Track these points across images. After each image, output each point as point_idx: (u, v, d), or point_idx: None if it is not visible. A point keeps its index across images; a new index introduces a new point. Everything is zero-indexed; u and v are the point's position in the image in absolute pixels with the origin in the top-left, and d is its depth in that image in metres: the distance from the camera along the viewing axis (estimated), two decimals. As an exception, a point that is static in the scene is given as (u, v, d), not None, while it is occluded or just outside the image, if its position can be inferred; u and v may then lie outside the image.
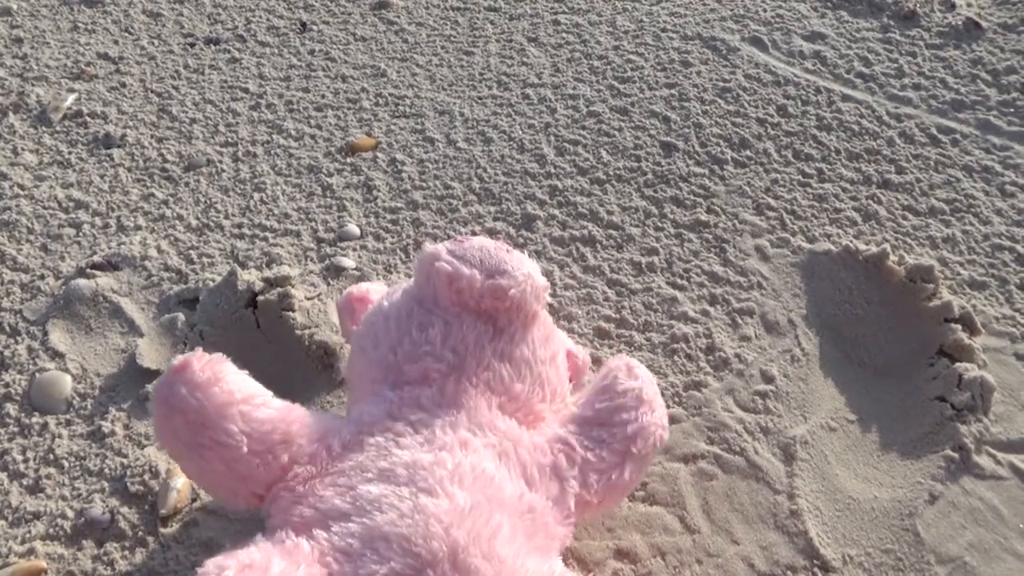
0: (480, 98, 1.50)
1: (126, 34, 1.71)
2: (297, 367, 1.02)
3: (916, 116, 1.43)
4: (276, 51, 1.66)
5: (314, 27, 1.74)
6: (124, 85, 1.55)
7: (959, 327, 1.03)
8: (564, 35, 1.67)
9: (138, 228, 1.22)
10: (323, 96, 1.52)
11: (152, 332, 1.05)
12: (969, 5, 1.71)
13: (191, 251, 1.18)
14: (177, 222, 1.23)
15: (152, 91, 1.53)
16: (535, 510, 0.63)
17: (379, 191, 1.29)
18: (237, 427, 0.63)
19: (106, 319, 1.07)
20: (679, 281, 1.13)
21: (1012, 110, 1.44)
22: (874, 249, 1.13)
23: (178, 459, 0.66)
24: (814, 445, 0.94)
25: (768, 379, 1.01)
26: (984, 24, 1.64)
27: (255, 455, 0.63)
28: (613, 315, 1.09)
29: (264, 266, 1.15)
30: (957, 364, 1.00)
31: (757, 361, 1.03)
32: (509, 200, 1.26)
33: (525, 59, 1.60)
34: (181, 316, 1.05)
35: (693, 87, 1.48)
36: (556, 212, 1.24)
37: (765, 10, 1.70)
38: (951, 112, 1.44)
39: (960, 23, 1.64)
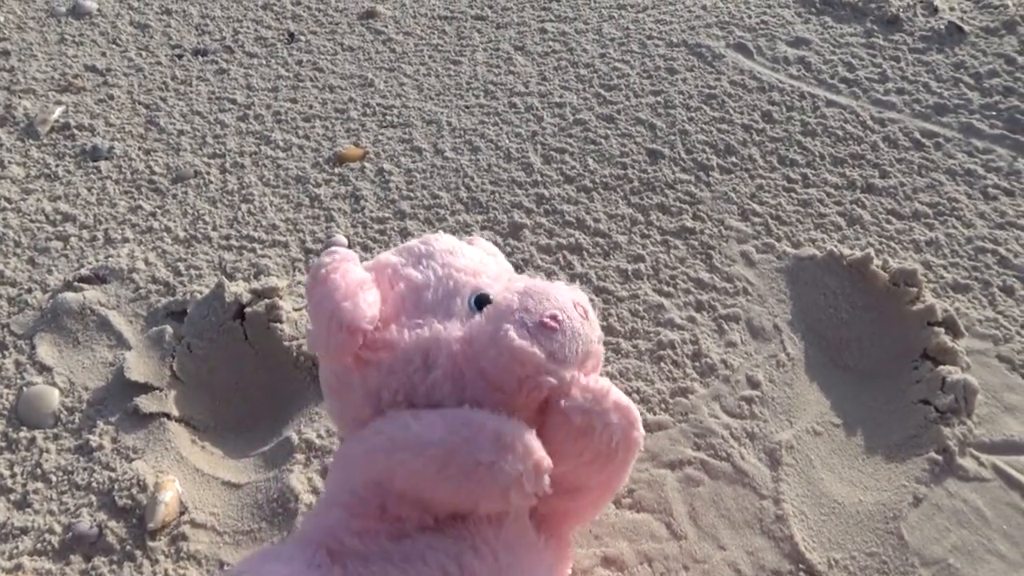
0: (467, 107, 1.50)
1: (114, 46, 1.72)
2: (285, 378, 1.02)
3: (900, 120, 1.44)
4: (264, 62, 1.66)
5: (302, 37, 1.75)
6: (112, 97, 1.55)
7: (942, 330, 1.04)
8: (551, 43, 1.68)
9: (126, 240, 1.22)
10: (311, 106, 1.52)
11: (140, 345, 1.05)
12: (951, 9, 1.72)
13: (179, 263, 1.18)
14: (165, 234, 1.24)
15: (140, 103, 1.54)
16: None
17: (367, 201, 1.29)
18: None
19: (94, 332, 1.07)
20: (665, 288, 1.14)
21: (994, 113, 1.45)
22: (858, 254, 1.14)
23: None
24: (799, 450, 0.95)
25: (754, 384, 1.01)
26: (966, 28, 1.65)
27: None
28: (600, 323, 1.09)
29: (252, 278, 1.15)
30: (941, 367, 1.01)
31: (743, 367, 1.03)
32: (496, 209, 1.27)
33: (512, 68, 1.61)
34: (169, 329, 1.05)
35: (679, 94, 1.49)
36: (543, 220, 1.24)
37: (750, 16, 1.71)
38: (934, 116, 1.45)
39: (942, 27, 1.66)
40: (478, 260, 0.71)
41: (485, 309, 0.64)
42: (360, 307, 0.62)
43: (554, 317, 0.62)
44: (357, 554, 0.59)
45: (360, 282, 0.63)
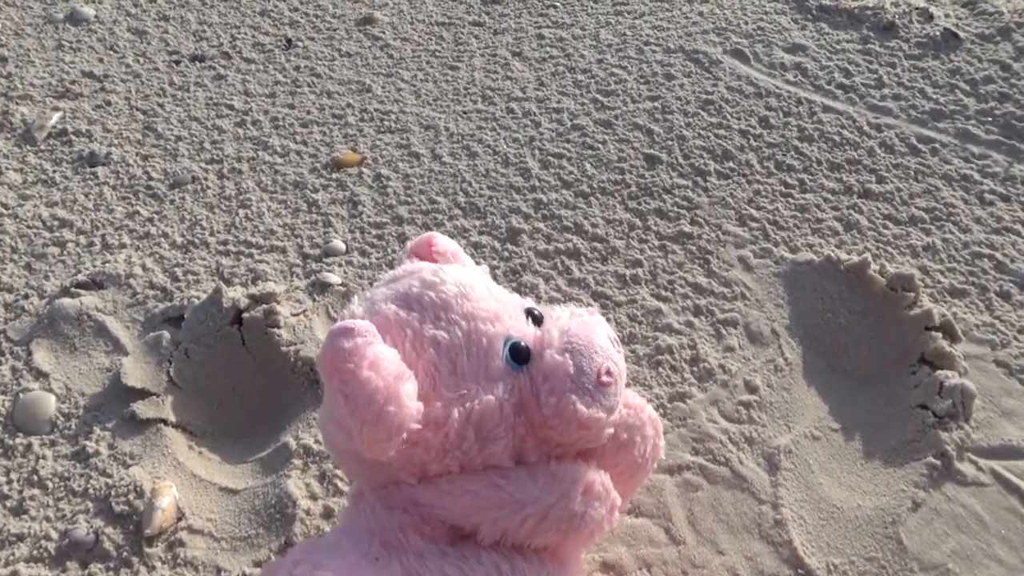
0: (465, 112, 1.51)
1: (111, 52, 1.72)
2: (283, 384, 1.02)
3: (896, 126, 1.45)
4: (261, 68, 1.66)
5: (299, 43, 1.75)
6: (109, 103, 1.55)
7: (940, 335, 1.04)
8: (548, 49, 1.69)
9: (123, 246, 1.22)
10: (308, 112, 1.52)
11: (137, 351, 1.04)
12: (947, 16, 1.73)
13: (176, 268, 1.18)
14: (162, 240, 1.23)
15: (137, 109, 1.54)
16: None
17: (364, 206, 1.29)
18: None
19: (90, 338, 1.07)
20: (663, 293, 1.14)
21: (990, 119, 1.46)
22: (855, 258, 1.14)
23: None
24: (798, 454, 0.95)
25: (752, 389, 1.01)
26: (962, 35, 1.66)
27: None
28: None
29: (249, 283, 1.15)
30: (938, 372, 1.01)
31: (741, 371, 1.03)
32: (494, 214, 1.27)
33: (509, 73, 1.61)
34: (166, 334, 1.04)
35: (676, 100, 1.50)
36: (541, 225, 1.25)
37: (746, 23, 1.72)
38: (930, 122, 1.46)
39: (938, 34, 1.67)
40: (489, 295, 0.67)
41: (533, 370, 0.63)
42: (405, 407, 0.56)
43: (608, 372, 0.63)
44: (415, 550, 0.59)
45: (398, 375, 0.56)
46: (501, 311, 0.66)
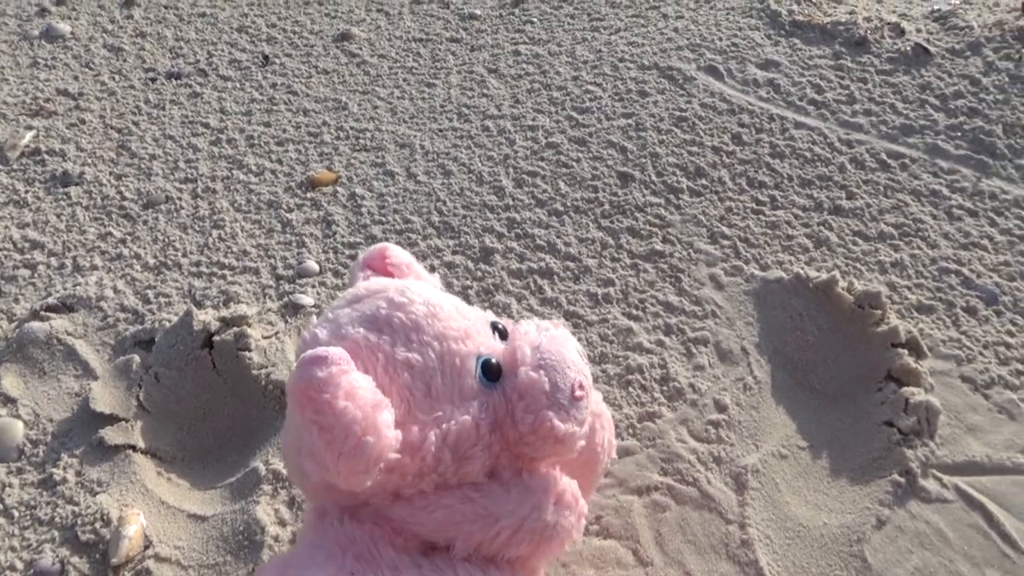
0: (440, 130, 1.51)
1: (87, 69, 1.71)
2: (254, 408, 1.02)
3: (867, 142, 1.46)
4: (238, 85, 1.66)
5: (276, 60, 1.75)
6: (83, 121, 1.55)
7: (906, 352, 1.06)
8: (524, 66, 1.70)
9: (94, 268, 1.22)
10: (284, 130, 1.53)
11: (106, 375, 1.04)
12: (918, 31, 1.76)
13: (148, 290, 1.17)
14: (134, 261, 1.23)
15: (112, 127, 1.53)
16: None
17: (338, 226, 1.29)
18: None
19: (60, 362, 1.07)
20: (635, 312, 1.15)
21: (959, 134, 1.48)
22: (824, 276, 1.15)
23: None
24: (765, 473, 0.95)
25: (721, 408, 1.02)
26: (932, 50, 1.68)
27: None
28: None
29: (221, 305, 1.15)
30: (904, 388, 1.02)
31: (710, 390, 1.04)
32: (468, 233, 1.27)
33: (485, 90, 1.62)
34: (136, 358, 1.04)
35: (650, 116, 1.51)
36: (514, 245, 1.25)
37: (721, 39, 1.73)
38: (900, 137, 1.48)
39: (909, 49, 1.69)
40: (457, 312, 0.66)
41: (507, 388, 0.63)
42: (384, 437, 0.55)
43: (581, 386, 0.63)
44: (388, 563, 0.59)
45: (376, 404, 0.55)
46: (470, 328, 0.66)
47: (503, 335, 0.69)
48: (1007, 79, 1.58)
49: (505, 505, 0.61)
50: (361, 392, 0.55)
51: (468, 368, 0.63)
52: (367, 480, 0.55)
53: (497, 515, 0.61)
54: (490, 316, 0.71)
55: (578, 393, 0.63)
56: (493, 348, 0.66)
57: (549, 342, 0.65)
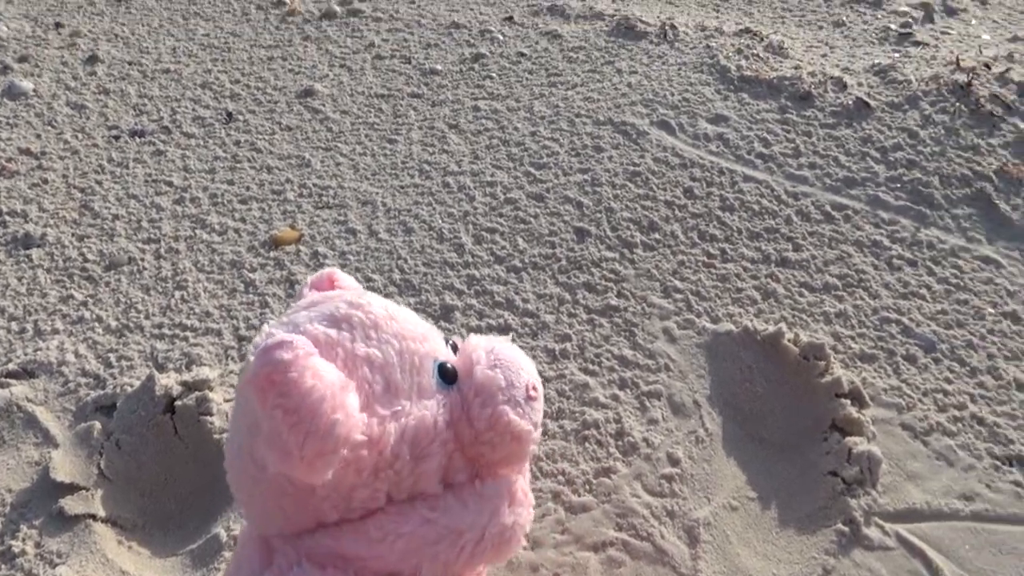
0: (402, 187, 1.55)
1: (49, 128, 1.73)
2: (215, 473, 1.03)
3: (812, 194, 1.53)
4: (201, 142, 1.69)
5: (240, 117, 1.78)
6: (46, 181, 1.56)
7: (849, 402, 1.10)
8: (483, 121, 1.75)
9: (56, 332, 1.22)
10: (248, 188, 1.55)
11: (67, 443, 1.05)
12: (859, 85, 1.84)
13: (110, 354, 1.18)
14: (96, 324, 1.24)
15: (75, 187, 1.55)
16: None
17: (301, 286, 1.31)
18: None
19: (20, 430, 1.07)
20: (590, 367, 1.18)
21: (899, 185, 1.55)
22: (771, 329, 1.20)
23: None
24: (717, 526, 0.99)
25: (674, 462, 1.05)
26: (872, 104, 1.77)
27: None
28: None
29: (183, 368, 1.16)
30: (848, 438, 1.06)
31: (664, 444, 1.08)
32: (428, 291, 1.30)
33: (446, 146, 1.66)
34: (97, 425, 1.05)
35: (605, 172, 1.56)
36: (474, 302, 1.28)
37: (673, 94, 1.80)
38: (844, 189, 1.54)
39: (851, 103, 1.77)
40: (414, 317, 0.68)
41: (464, 388, 0.66)
42: (352, 416, 0.55)
43: (535, 387, 0.67)
44: None
45: (343, 384, 0.56)
46: (428, 333, 0.68)
47: (455, 350, 0.72)
48: (943, 132, 1.67)
49: (464, 518, 0.62)
50: (326, 373, 0.55)
51: (426, 367, 0.65)
52: (330, 466, 0.54)
53: (460, 530, 0.62)
54: (474, 342, 0.73)
55: (532, 392, 0.67)
56: (449, 357, 0.69)
57: (502, 347, 0.70)
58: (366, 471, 0.59)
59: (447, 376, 0.66)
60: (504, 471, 0.68)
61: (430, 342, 0.67)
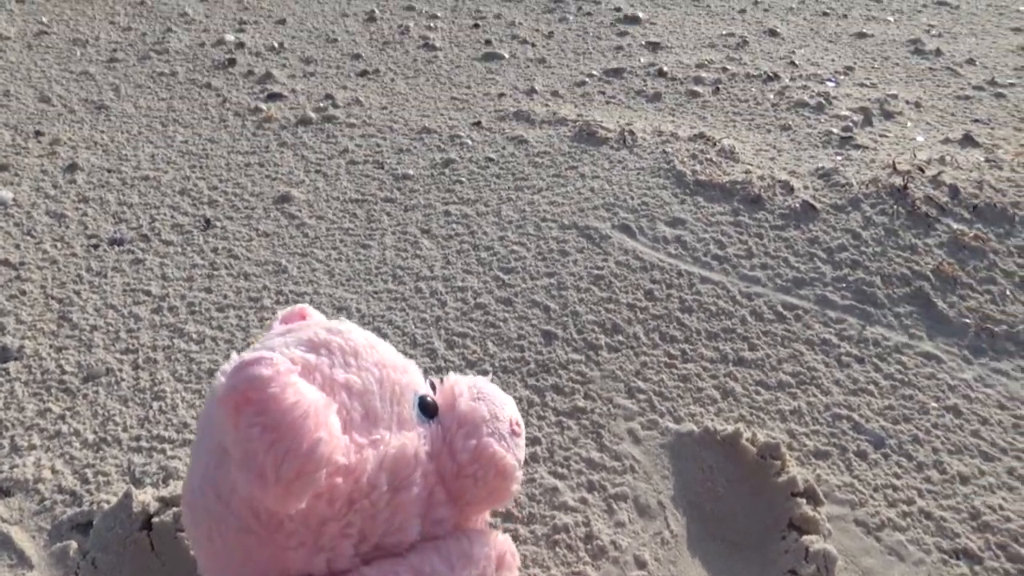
0: (376, 293, 1.61)
1: (28, 238, 1.77)
2: (191, 589, 1.04)
3: (764, 294, 1.62)
4: (179, 250, 1.74)
5: (218, 223, 1.85)
6: (24, 292, 1.59)
7: (804, 500, 1.16)
8: (454, 226, 1.83)
9: (32, 447, 1.24)
10: (225, 296, 1.60)
11: (42, 563, 1.05)
12: (805, 188, 1.97)
13: (87, 469, 1.20)
14: (73, 438, 1.26)
15: (53, 297, 1.58)
16: None
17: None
18: None
19: (-5, 551, 1.07)
20: (560, 470, 1.23)
21: (844, 285, 1.65)
22: (729, 429, 1.26)
23: None
24: (684, 630, 1.02)
25: (641, 564, 1.09)
26: (818, 206, 1.89)
27: None
28: (498, 509, 1.16)
29: (160, 482, 1.18)
30: (804, 536, 1.11)
31: (631, 547, 1.12)
32: (401, 396, 1.35)
33: (418, 251, 1.74)
34: (74, 544, 1.06)
35: (570, 275, 1.64)
36: (445, 407, 1.33)
37: (632, 198, 1.91)
38: (793, 289, 1.64)
39: (798, 205, 1.89)
40: (393, 350, 0.67)
41: (446, 420, 0.65)
42: (336, 437, 0.53)
43: (518, 423, 0.68)
44: None
45: (327, 402, 0.53)
46: (408, 366, 0.67)
47: (433, 389, 0.71)
48: (883, 232, 1.79)
49: None
50: (307, 392, 0.52)
51: (407, 398, 0.63)
52: (308, 490, 0.51)
53: None
54: (455, 380, 0.75)
55: (516, 428, 0.66)
56: (428, 392, 0.68)
57: (483, 383, 0.70)
58: (339, 501, 0.56)
59: (427, 409, 0.65)
60: (488, 508, 0.68)
61: (410, 375, 0.66)
